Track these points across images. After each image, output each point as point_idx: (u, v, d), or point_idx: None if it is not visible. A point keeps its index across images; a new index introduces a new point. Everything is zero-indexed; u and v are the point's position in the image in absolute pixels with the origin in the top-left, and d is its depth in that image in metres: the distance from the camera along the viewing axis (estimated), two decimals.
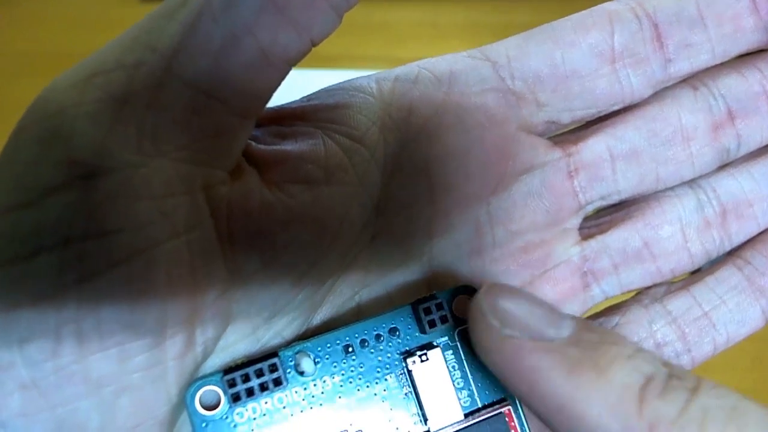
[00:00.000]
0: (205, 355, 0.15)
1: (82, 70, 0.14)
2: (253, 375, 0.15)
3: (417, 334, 0.16)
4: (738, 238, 0.19)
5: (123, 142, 0.13)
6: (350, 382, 0.16)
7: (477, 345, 0.15)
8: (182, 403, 0.14)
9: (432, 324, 0.16)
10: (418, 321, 0.16)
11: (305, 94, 0.18)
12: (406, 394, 0.16)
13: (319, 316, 0.17)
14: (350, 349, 0.16)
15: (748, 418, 0.12)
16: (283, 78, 0.15)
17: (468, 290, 0.17)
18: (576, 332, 0.14)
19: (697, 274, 0.20)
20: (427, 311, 0.16)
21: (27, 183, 0.13)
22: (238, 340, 0.15)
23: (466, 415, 0.16)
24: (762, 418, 0.12)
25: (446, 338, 0.16)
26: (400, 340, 0.16)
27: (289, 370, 0.15)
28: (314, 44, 0.15)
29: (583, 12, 0.19)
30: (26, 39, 0.45)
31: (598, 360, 0.13)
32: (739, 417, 0.12)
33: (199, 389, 0.14)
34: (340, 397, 0.15)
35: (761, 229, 0.19)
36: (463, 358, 0.16)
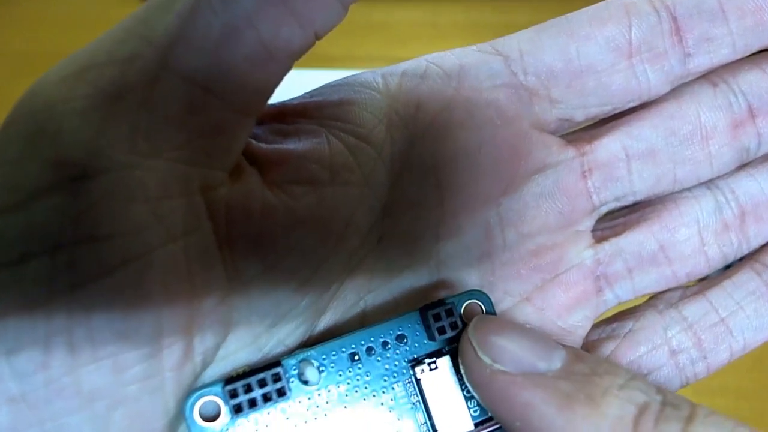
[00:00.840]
0: (205, 365, 0.14)
1: (72, 64, 0.13)
2: (256, 385, 0.14)
3: (425, 341, 0.16)
4: (756, 241, 0.19)
5: (115, 141, 0.13)
6: (356, 392, 0.15)
7: (468, 380, 0.15)
8: (180, 414, 0.14)
9: (441, 330, 0.16)
10: (427, 327, 0.16)
11: None
12: (413, 403, 0.15)
13: (323, 323, 0.16)
14: (356, 357, 0.15)
15: None
16: (285, 73, 0.14)
17: (479, 296, 0.16)
18: (567, 364, 0.14)
19: (713, 278, 0.19)
20: (437, 317, 0.16)
21: (13, 184, 0.12)
22: (239, 349, 0.15)
23: (476, 425, 0.15)
24: None
25: (455, 345, 0.16)
26: (407, 348, 0.16)
27: (292, 380, 0.15)
28: (318, 37, 0.14)
29: (599, 4, 0.18)
30: (26, 39, 0.44)
31: (590, 392, 0.13)
32: None
33: (199, 400, 0.14)
34: (345, 407, 0.15)
35: None
36: None
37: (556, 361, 0.14)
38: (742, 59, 0.18)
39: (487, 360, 0.14)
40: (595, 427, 0.13)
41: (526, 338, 0.15)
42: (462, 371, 0.15)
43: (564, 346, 0.15)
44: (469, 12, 0.44)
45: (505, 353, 0.14)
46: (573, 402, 0.13)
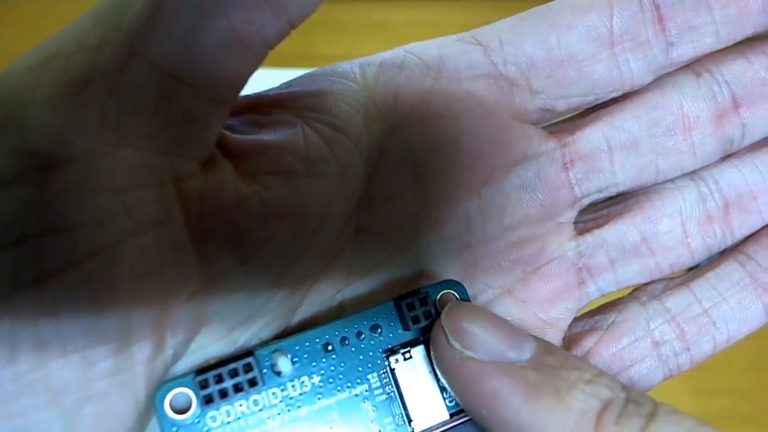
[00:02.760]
0: (176, 358, 0.14)
1: (39, 52, 0.13)
2: (227, 375, 0.14)
3: (400, 331, 0.16)
4: (740, 233, 0.19)
5: (82, 130, 0.13)
6: (330, 382, 0.15)
7: (438, 366, 0.15)
8: (151, 407, 0.14)
9: (416, 320, 0.16)
10: (401, 317, 0.16)
11: None
12: (388, 394, 0.15)
13: (299, 316, 0.16)
14: (330, 348, 0.15)
15: None
16: (260, 61, 0.14)
17: (453, 285, 0.16)
18: (537, 355, 0.14)
19: (697, 269, 0.19)
20: (411, 307, 0.16)
21: None
22: (212, 342, 0.14)
23: (452, 415, 0.15)
24: None
25: (430, 335, 0.16)
26: (382, 338, 0.16)
27: (265, 370, 0.15)
28: (293, 26, 0.14)
29: None
30: (26, 39, 0.44)
31: (557, 385, 0.14)
32: None
33: (169, 391, 0.14)
34: (319, 398, 0.15)
35: (765, 223, 0.19)
36: None
37: (526, 352, 0.14)
38: (726, 48, 0.18)
39: (457, 346, 0.14)
40: (560, 419, 0.13)
41: (497, 327, 0.15)
42: (432, 357, 0.15)
43: (535, 338, 0.15)
44: (469, 12, 0.44)
45: (475, 340, 0.14)
46: (540, 393, 0.13)
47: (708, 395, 0.33)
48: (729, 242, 0.19)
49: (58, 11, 0.46)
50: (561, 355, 0.14)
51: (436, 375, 0.15)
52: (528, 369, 0.14)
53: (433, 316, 0.16)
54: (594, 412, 0.13)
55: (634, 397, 0.14)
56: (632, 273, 0.18)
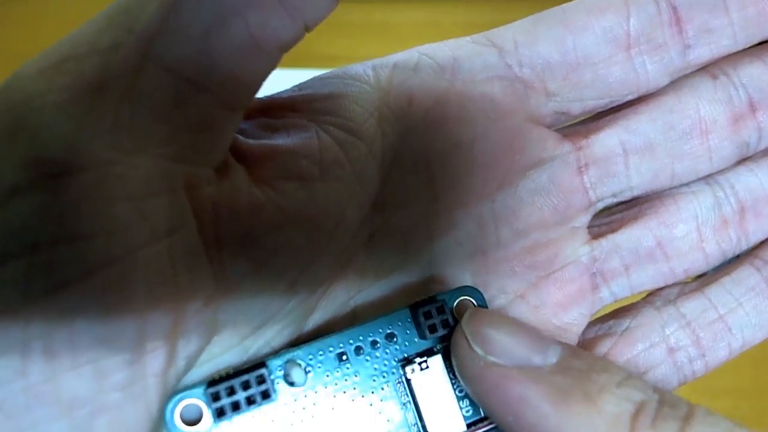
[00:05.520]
0: (188, 368, 0.14)
1: (52, 55, 0.13)
2: (239, 387, 0.14)
3: (416, 339, 0.15)
4: (756, 237, 0.18)
5: (96, 136, 0.12)
6: (344, 393, 0.15)
7: (460, 373, 0.15)
8: (161, 418, 0.13)
9: (432, 329, 0.15)
10: (418, 325, 0.15)
11: None
12: (404, 404, 0.15)
13: (312, 323, 0.16)
14: (344, 357, 0.15)
15: None
16: (274, 65, 0.14)
17: (470, 292, 0.16)
18: (563, 359, 0.14)
19: (712, 275, 0.19)
20: (427, 315, 0.15)
21: None
22: (224, 351, 0.14)
23: (469, 426, 0.15)
24: None
25: (447, 344, 0.15)
26: (397, 347, 0.15)
27: (278, 381, 0.14)
28: (308, 29, 0.14)
29: None
30: (26, 39, 0.44)
31: (587, 389, 0.13)
32: None
33: (180, 403, 0.13)
34: (333, 409, 0.15)
35: None
36: None
37: (552, 356, 0.14)
38: (743, 51, 0.18)
39: (480, 352, 0.14)
40: (591, 424, 0.13)
41: (521, 332, 0.14)
42: (454, 364, 0.15)
43: (560, 341, 0.14)
44: (469, 12, 0.44)
45: (499, 345, 0.14)
46: (569, 398, 0.13)
47: (710, 395, 0.33)
48: (744, 247, 0.18)
49: (60, 11, 0.45)
50: (588, 358, 0.14)
51: (453, 385, 0.15)
52: (555, 373, 0.13)
53: (451, 325, 0.15)
54: (628, 416, 0.13)
55: (667, 399, 0.13)
56: (646, 278, 0.18)
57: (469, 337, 0.14)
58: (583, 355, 0.14)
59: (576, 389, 0.13)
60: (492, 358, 0.14)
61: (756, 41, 0.18)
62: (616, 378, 0.13)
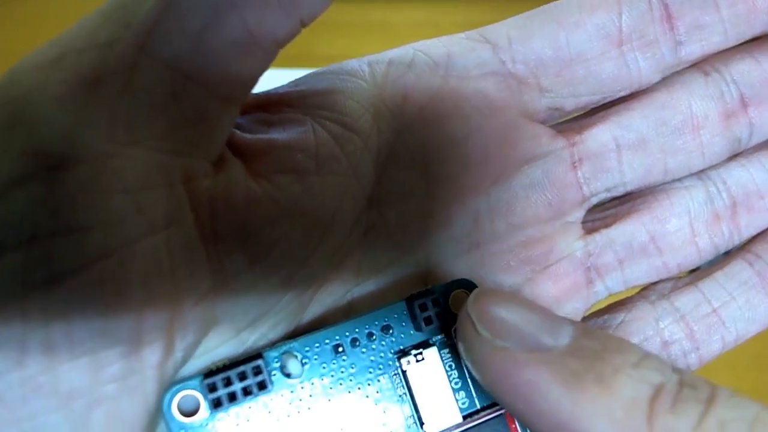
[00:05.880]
0: (185, 360, 0.14)
1: (49, 50, 0.13)
2: (236, 378, 0.14)
3: (412, 331, 0.15)
4: (748, 232, 0.19)
5: (94, 130, 0.12)
6: (340, 384, 0.15)
7: (467, 358, 0.14)
8: (159, 410, 0.13)
9: (428, 321, 0.15)
10: (413, 318, 0.16)
11: None
12: (400, 396, 0.15)
13: (309, 316, 0.16)
14: (340, 349, 0.15)
15: None
16: (270, 61, 0.14)
17: (466, 284, 0.16)
18: (575, 340, 0.13)
19: (705, 269, 0.19)
20: (423, 307, 0.16)
21: None
22: (221, 344, 0.14)
23: (465, 418, 0.15)
24: None
25: (443, 336, 0.15)
26: (393, 339, 0.15)
27: (274, 372, 0.14)
28: (304, 25, 0.14)
29: None
30: (27, 39, 0.44)
31: (601, 371, 0.12)
32: (762, 430, 0.11)
33: (177, 394, 0.13)
34: (329, 400, 0.15)
35: None
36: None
37: (564, 337, 0.13)
38: (734, 47, 0.18)
39: (487, 335, 0.13)
40: (607, 409, 0.12)
41: (530, 311, 0.13)
42: (460, 350, 0.14)
43: (571, 320, 0.13)
44: (469, 12, 0.44)
45: (506, 327, 0.13)
46: (582, 381, 0.12)
47: None
48: (736, 241, 0.19)
49: (60, 11, 0.45)
50: (602, 338, 0.13)
51: (448, 377, 0.15)
52: (567, 355, 0.12)
53: (446, 317, 0.15)
54: (645, 399, 0.12)
55: (687, 380, 0.12)
56: (640, 272, 0.18)
57: (475, 320, 0.13)
58: (597, 335, 0.13)
59: (589, 372, 0.12)
60: (500, 342, 0.13)
61: (747, 38, 0.18)
62: (632, 358, 0.12)
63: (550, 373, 0.12)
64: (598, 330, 0.13)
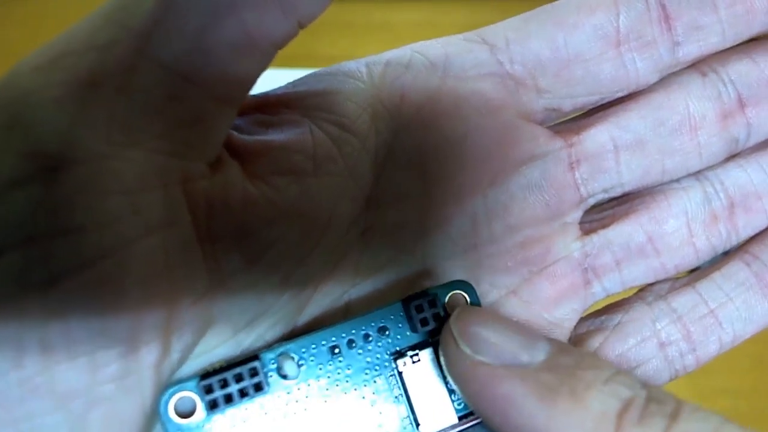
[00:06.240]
0: (181, 361, 0.14)
1: (47, 52, 0.13)
2: (232, 380, 0.14)
3: (408, 333, 0.16)
4: (746, 232, 0.19)
5: (92, 131, 0.12)
6: (337, 385, 0.15)
7: (448, 372, 0.15)
8: (155, 411, 0.13)
9: (424, 322, 0.16)
10: (409, 319, 0.16)
11: None
12: (396, 397, 0.15)
13: (306, 317, 0.16)
14: (336, 350, 0.15)
15: None
16: (268, 62, 0.14)
17: (463, 286, 0.16)
18: (551, 356, 0.14)
19: (703, 270, 0.19)
20: (419, 308, 0.16)
21: None
22: (218, 345, 0.14)
23: (460, 419, 0.15)
24: None
25: (439, 337, 0.15)
26: (389, 340, 0.15)
27: (270, 374, 0.14)
28: (302, 26, 0.14)
29: None
30: (27, 39, 0.44)
31: (574, 386, 0.13)
32: None
33: (173, 395, 0.13)
34: (325, 402, 0.15)
35: None
36: None
37: (540, 353, 0.14)
38: (731, 48, 0.18)
39: (467, 351, 0.14)
40: (578, 422, 0.13)
41: (509, 329, 0.14)
42: (442, 363, 0.15)
43: (548, 338, 0.14)
44: (469, 12, 0.44)
45: (486, 344, 0.14)
46: (555, 395, 0.13)
47: (709, 396, 0.33)
48: (734, 242, 0.19)
49: (60, 11, 0.46)
50: (576, 355, 0.14)
51: (444, 378, 0.15)
52: (542, 371, 0.13)
53: (442, 318, 0.15)
54: (614, 413, 0.13)
55: (655, 395, 0.13)
56: (638, 273, 0.18)
57: (456, 336, 0.14)
58: (572, 352, 0.14)
59: (563, 387, 0.13)
60: (479, 357, 0.14)
61: (744, 38, 0.18)
62: (604, 374, 0.13)
63: (526, 387, 0.13)
64: (573, 347, 0.15)
